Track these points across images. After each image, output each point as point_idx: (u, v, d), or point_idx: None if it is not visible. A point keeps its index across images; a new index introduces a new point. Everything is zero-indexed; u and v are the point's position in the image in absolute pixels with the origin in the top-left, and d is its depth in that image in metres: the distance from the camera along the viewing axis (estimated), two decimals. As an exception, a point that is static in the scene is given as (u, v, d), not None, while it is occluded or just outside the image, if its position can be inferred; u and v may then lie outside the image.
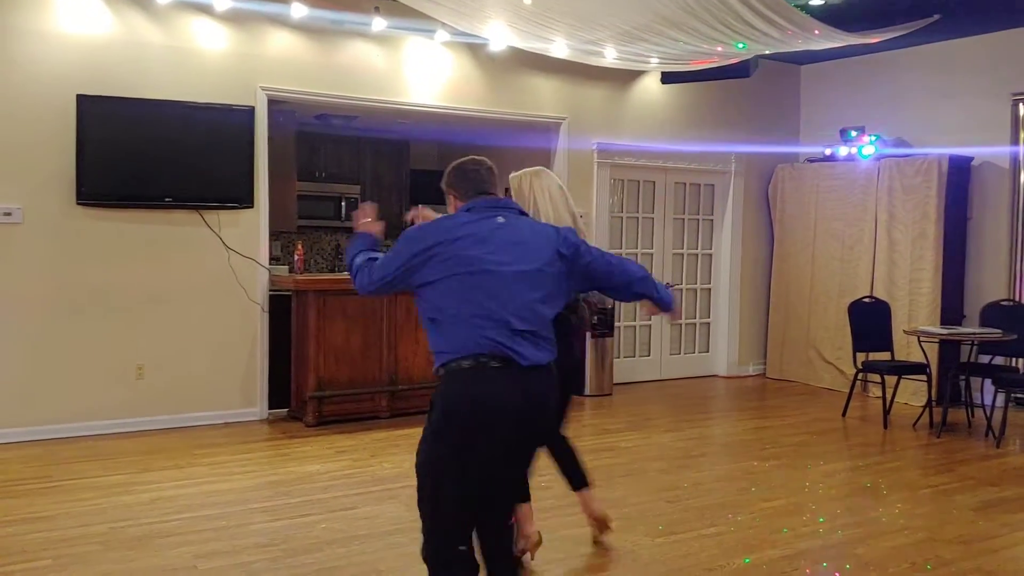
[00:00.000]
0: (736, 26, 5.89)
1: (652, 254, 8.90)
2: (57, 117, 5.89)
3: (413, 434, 6.12)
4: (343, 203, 8.71)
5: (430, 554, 2.75)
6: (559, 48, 7.07)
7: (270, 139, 6.74)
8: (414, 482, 5.02)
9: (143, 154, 6.10)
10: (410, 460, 5.45)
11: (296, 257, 7.20)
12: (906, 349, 7.46)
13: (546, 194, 3.79)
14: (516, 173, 3.93)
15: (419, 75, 7.30)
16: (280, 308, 6.77)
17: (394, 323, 6.82)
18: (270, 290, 6.71)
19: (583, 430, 7.13)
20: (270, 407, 6.76)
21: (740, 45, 6.35)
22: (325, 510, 4.57)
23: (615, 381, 8.16)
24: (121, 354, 6.19)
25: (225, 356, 6.55)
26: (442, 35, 7.17)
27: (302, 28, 6.70)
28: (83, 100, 5.92)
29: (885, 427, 6.91)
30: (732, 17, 5.67)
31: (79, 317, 6.06)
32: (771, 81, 9.06)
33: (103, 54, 6.06)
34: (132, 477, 5.12)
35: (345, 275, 7.08)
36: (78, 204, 5.98)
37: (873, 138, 8.30)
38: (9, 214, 5.82)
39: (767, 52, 7.12)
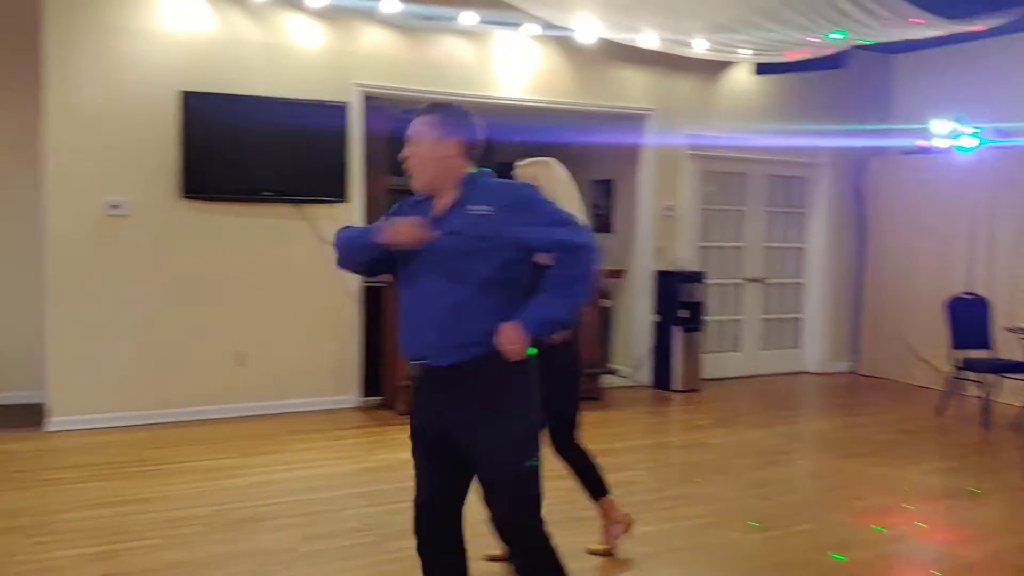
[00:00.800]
0: (833, 16, 5.77)
1: (742, 247, 8.78)
2: (163, 113, 6.13)
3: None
4: (431, 196, 8.82)
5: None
6: (648, 39, 7.04)
7: (364, 134, 6.87)
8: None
9: (243, 149, 6.31)
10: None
11: (388, 249, 7.33)
12: (1006, 347, 7.20)
13: (562, 184, 3.74)
14: (523, 162, 3.82)
15: (507, 69, 7.35)
16: (372, 298, 6.92)
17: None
18: (363, 282, 6.86)
19: (671, 425, 7.13)
20: (363, 395, 6.92)
21: (839, 33, 6.22)
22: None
23: (703, 376, 8.10)
24: (223, 342, 6.42)
25: (320, 345, 6.73)
26: (529, 28, 7.20)
27: (394, 24, 6.82)
28: (187, 97, 6.15)
29: (984, 427, 6.70)
30: (830, 7, 5.56)
31: (183, 306, 6.31)
32: (863, 72, 8.83)
33: (205, 52, 6.28)
34: (234, 461, 5.32)
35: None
36: (182, 197, 6.21)
37: (973, 129, 8.03)
38: (118, 207, 6.08)
39: (866, 42, 6.96)
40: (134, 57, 6.10)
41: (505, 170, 9.49)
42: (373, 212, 7.29)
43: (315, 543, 4.00)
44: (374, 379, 6.97)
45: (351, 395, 6.88)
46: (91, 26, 5.97)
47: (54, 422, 5.93)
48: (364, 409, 6.82)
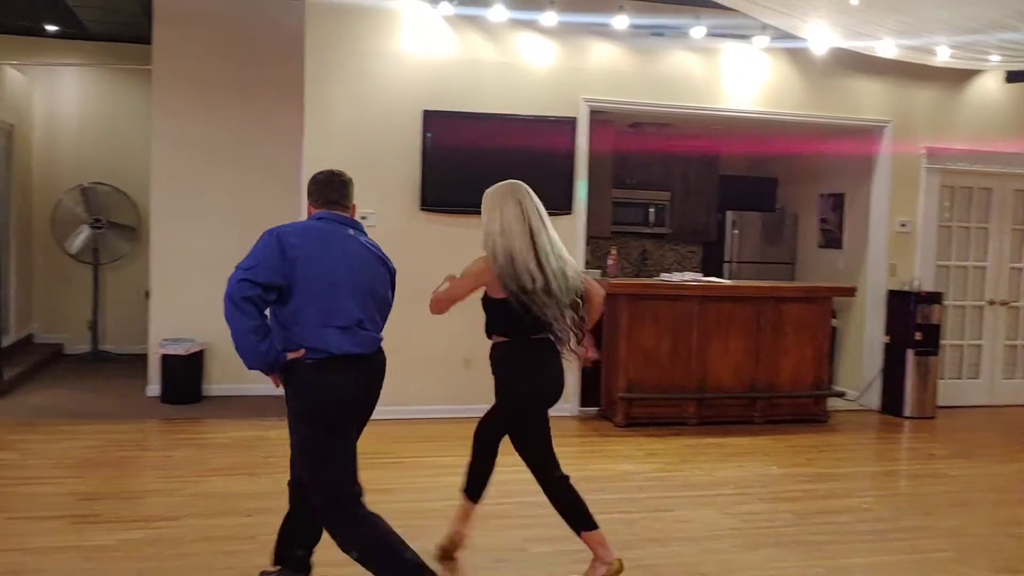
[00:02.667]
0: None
1: (985, 267, 8.18)
2: (406, 131, 6.53)
3: (723, 444, 6.20)
4: (651, 209, 8.85)
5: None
6: (886, 47, 6.73)
7: (589, 148, 7.00)
8: (728, 490, 5.03)
9: (476, 164, 6.59)
10: (722, 468, 5.50)
11: (610, 262, 7.42)
12: None
13: (490, 210, 3.82)
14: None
15: (735, 81, 7.26)
16: (593, 310, 7.01)
17: (704, 330, 6.84)
18: (585, 293, 6.97)
19: (903, 453, 6.76)
20: (581, 405, 7.03)
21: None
22: (642, 509, 4.71)
23: (938, 403, 7.61)
24: (453, 346, 6.74)
25: (541, 354, 6.90)
26: (761, 40, 7.07)
27: (624, 39, 6.91)
28: (428, 115, 6.52)
29: None
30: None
31: (418, 311, 6.62)
32: None
33: (445, 72, 6.63)
34: (461, 460, 5.52)
35: (657, 280, 7.20)
36: (421, 210, 6.59)
37: None
38: (365, 218, 6.52)
39: None
40: (381, 79, 6.54)
41: (728, 183, 9.36)
42: (593, 224, 7.43)
43: (542, 544, 4.12)
44: (592, 390, 7.06)
45: (569, 404, 7.01)
46: (344, 52, 6.46)
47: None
48: (582, 419, 6.93)
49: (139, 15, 7.70)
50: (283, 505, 4.50)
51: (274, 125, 7.21)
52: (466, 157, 6.58)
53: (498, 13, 6.54)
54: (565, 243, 6.69)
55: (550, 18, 6.60)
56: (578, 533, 3.75)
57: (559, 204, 6.79)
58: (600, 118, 7.24)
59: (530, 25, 6.72)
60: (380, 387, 3.39)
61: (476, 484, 4.04)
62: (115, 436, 5.87)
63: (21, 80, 8.49)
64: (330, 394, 3.16)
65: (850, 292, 7.55)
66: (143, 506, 4.49)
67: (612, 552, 3.71)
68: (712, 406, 6.88)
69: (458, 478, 5.10)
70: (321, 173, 3.46)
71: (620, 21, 6.66)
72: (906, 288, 7.63)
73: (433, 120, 6.52)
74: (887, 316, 7.72)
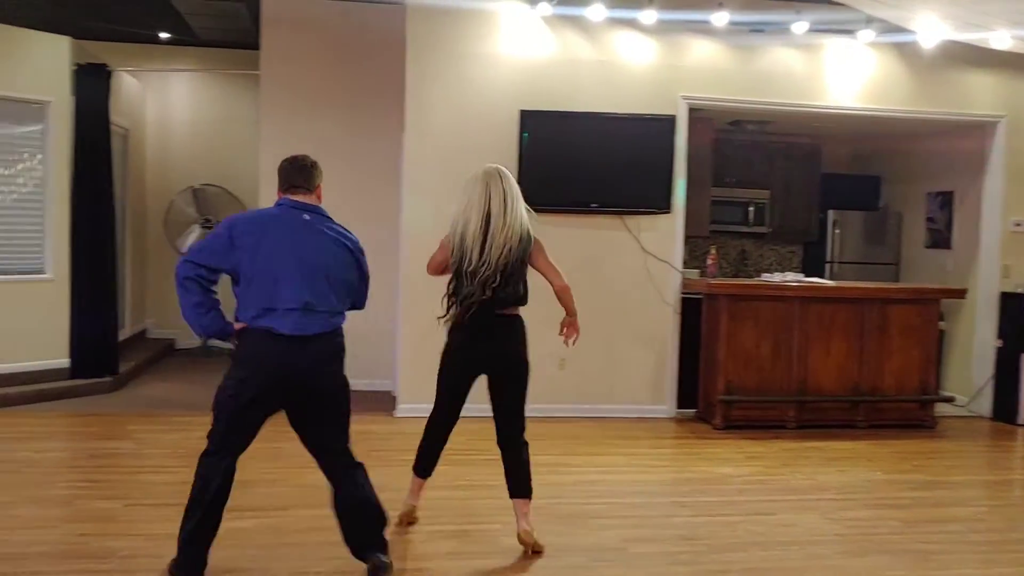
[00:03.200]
0: None
1: (1108, 269, 7.77)
2: (503, 131, 6.59)
3: (824, 448, 6.07)
4: (750, 208, 8.70)
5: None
6: (1001, 39, 6.46)
7: (687, 146, 6.93)
8: (831, 495, 4.93)
9: (573, 163, 6.62)
10: (824, 473, 5.39)
11: (709, 261, 7.34)
12: None
13: (464, 192, 4.02)
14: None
15: (839, 77, 7.08)
16: (690, 311, 6.95)
17: (805, 331, 6.70)
18: (682, 293, 6.92)
19: (1017, 462, 6.51)
20: (677, 406, 6.97)
21: None
22: (743, 512, 4.64)
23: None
24: (546, 344, 6.70)
25: (638, 354, 6.88)
26: (866, 34, 6.88)
27: (723, 36, 6.82)
28: (525, 115, 6.56)
29: None
30: None
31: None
32: None
33: (542, 72, 6.66)
34: (558, 459, 5.59)
35: (757, 281, 7.09)
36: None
37: None
38: (461, 217, 6.61)
39: None
40: (479, 80, 6.61)
41: (830, 181, 9.15)
42: (692, 223, 7.35)
43: (641, 546, 4.11)
44: (689, 391, 6.99)
45: (666, 405, 6.96)
46: (444, 54, 6.56)
47: (403, 408, 6.58)
48: (679, 421, 6.87)
49: (247, 22, 7.97)
50: (390, 499, 4.61)
51: (376, 126, 7.37)
52: (563, 156, 6.60)
53: (597, 12, 6.54)
54: (663, 242, 6.78)
55: (649, 16, 6.56)
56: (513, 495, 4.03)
57: (657, 203, 6.76)
58: (699, 116, 7.16)
59: (629, 23, 6.70)
60: (330, 369, 3.54)
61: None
62: (224, 428, 6.09)
63: (136, 86, 8.88)
64: (250, 366, 3.39)
65: (960, 294, 7.29)
66: (253, 496, 4.65)
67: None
68: (813, 409, 6.74)
69: (556, 476, 5.17)
70: (285, 159, 3.63)
71: (720, 18, 6.58)
72: (1020, 290, 7.32)
73: (530, 119, 6.56)
74: (999, 319, 7.42)
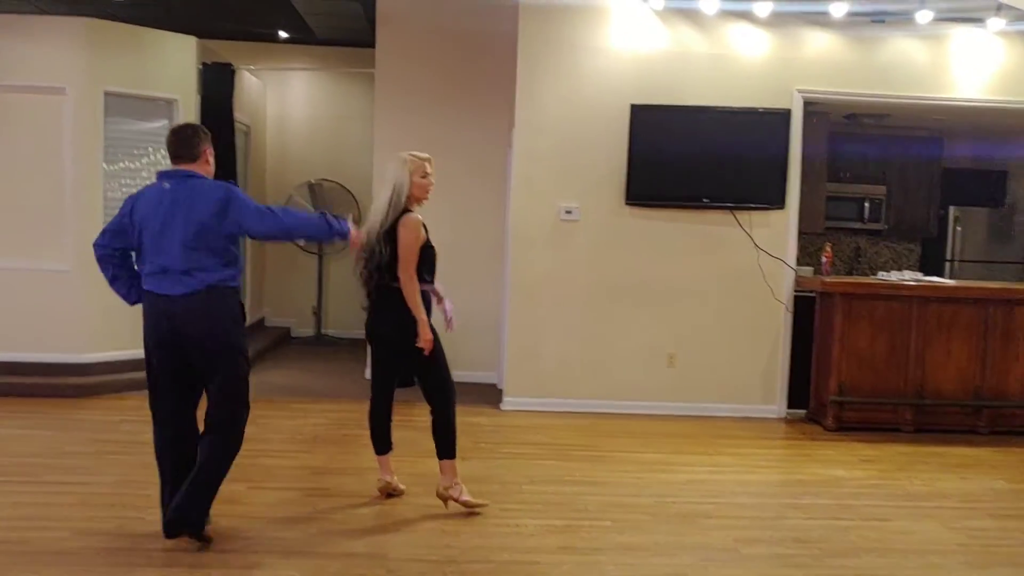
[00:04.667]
0: None
1: None
2: (613, 125, 6.58)
3: (943, 453, 5.88)
4: (866, 204, 8.46)
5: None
6: None
7: (802, 140, 6.78)
8: (951, 503, 4.77)
9: (684, 158, 6.55)
10: (943, 479, 5.21)
11: (824, 259, 7.17)
12: None
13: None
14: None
15: (964, 68, 6.79)
16: (802, 309, 6.80)
17: (923, 331, 6.47)
18: (795, 291, 6.78)
19: None
20: (788, 407, 6.84)
21: None
22: (857, 517, 4.53)
23: None
24: (655, 341, 6.73)
25: (748, 352, 6.78)
26: (996, 23, 6.58)
27: (840, 27, 6.64)
28: (636, 109, 6.53)
29: None
30: None
31: (620, 304, 6.72)
32: None
33: (654, 66, 6.62)
34: (667, 457, 5.57)
35: (873, 279, 6.89)
36: (626, 204, 6.62)
37: None
38: (570, 212, 6.64)
39: None
40: (590, 74, 6.62)
41: (951, 176, 8.79)
42: (806, 220, 7.19)
43: (755, 547, 4.06)
44: (799, 391, 6.85)
45: (776, 405, 6.84)
46: (555, 49, 6.59)
47: (508, 402, 6.66)
48: (789, 421, 6.74)
49: (363, 21, 8.18)
50: (496, 489, 4.71)
51: (487, 122, 7.46)
52: (673, 151, 6.55)
53: (710, 5, 6.45)
54: (776, 239, 6.67)
55: (764, 8, 6.44)
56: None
57: (770, 198, 6.64)
58: (814, 109, 6.99)
59: (743, 16, 6.58)
60: (206, 326, 3.71)
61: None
62: (339, 415, 6.30)
63: (257, 84, 9.21)
64: (145, 326, 3.78)
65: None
66: (367, 483, 4.79)
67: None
68: (931, 413, 6.51)
69: (666, 474, 5.15)
70: (170, 131, 3.90)
71: (838, 9, 6.40)
72: None
73: (640, 113, 6.53)
74: None
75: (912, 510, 4.71)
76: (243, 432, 3.91)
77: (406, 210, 4.29)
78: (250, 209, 3.78)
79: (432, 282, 4.46)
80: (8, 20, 6.98)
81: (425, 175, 4.33)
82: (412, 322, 4.24)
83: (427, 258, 4.36)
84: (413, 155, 4.33)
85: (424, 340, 4.23)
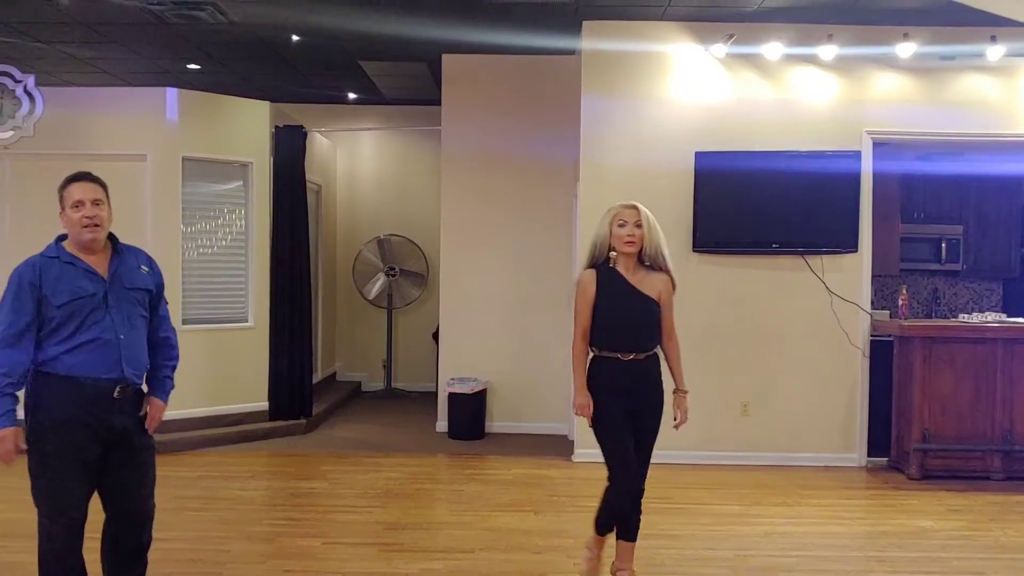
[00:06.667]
0: None
1: None
2: (677, 173, 6.56)
3: (1043, 502, 5.59)
4: (942, 244, 8.25)
5: None
6: None
7: (873, 182, 6.67)
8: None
9: (751, 203, 6.49)
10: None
11: (900, 302, 6.99)
12: None
13: None
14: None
15: (1040, 103, 6.64)
16: (879, 354, 6.63)
17: (1010, 376, 6.24)
18: (871, 335, 6.62)
19: None
20: (868, 455, 6.64)
21: None
22: (948, 571, 4.36)
23: None
24: (728, 389, 6.62)
25: (824, 400, 6.61)
26: (1073, 56, 6.43)
27: (909, 67, 6.55)
28: (700, 156, 6.52)
29: None
30: None
31: (691, 353, 6.53)
32: None
33: (718, 112, 6.61)
34: (745, 508, 5.43)
35: (954, 321, 6.69)
36: (694, 251, 6.58)
37: None
38: (637, 261, 6.61)
39: None
40: (654, 122, 6.63)
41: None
42: (879, 262, 7.05)
43: (838, 602, 3.92)
44: (880, 438, 6.64)
45: (855, 453, 6.64)
46: (618, 98, 6.62)
47: (579, 453, 6.60)
48: (869, 470, 6.53)
49: (429, 80, 8.36)
50: (570, 544, 4.64)
51: (551, 175, 7.52)
52: (740, 196, 6.49)
53: (773, 50, 6.44)
54: (849, 282, 6.59)
55: (828, 51, 6.40)
56: None
57: (843, 242, 6.53)
58: (884, 150, 6.89)
59: (808, 60, 6.54)
60: None
61: None
62: (411, 469, 6.31)
63: (327, 144, 9.46)
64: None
65: None
66: (440, 537, 4.79)
67: None
68: (1022, 460, 6.24)
69: (744, 527, 5.03)
70: None
71: (905, 49, 6.33)
72: None
73: (705, 160, 6.50)
74: None
75: (1007, 563, 4.51)
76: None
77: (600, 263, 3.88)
78: None
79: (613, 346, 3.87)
80: (95, 92, 7.35)
81: (623, 224, 3.83)
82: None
83: (599, 317, 3.85)
84: (619, 205, 3.91)
85: (576, 405, 3.88)
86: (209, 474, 6.09)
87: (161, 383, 3.41)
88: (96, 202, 3.24)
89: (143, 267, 3.38)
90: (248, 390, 7.40)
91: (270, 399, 7.49)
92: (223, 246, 7.41)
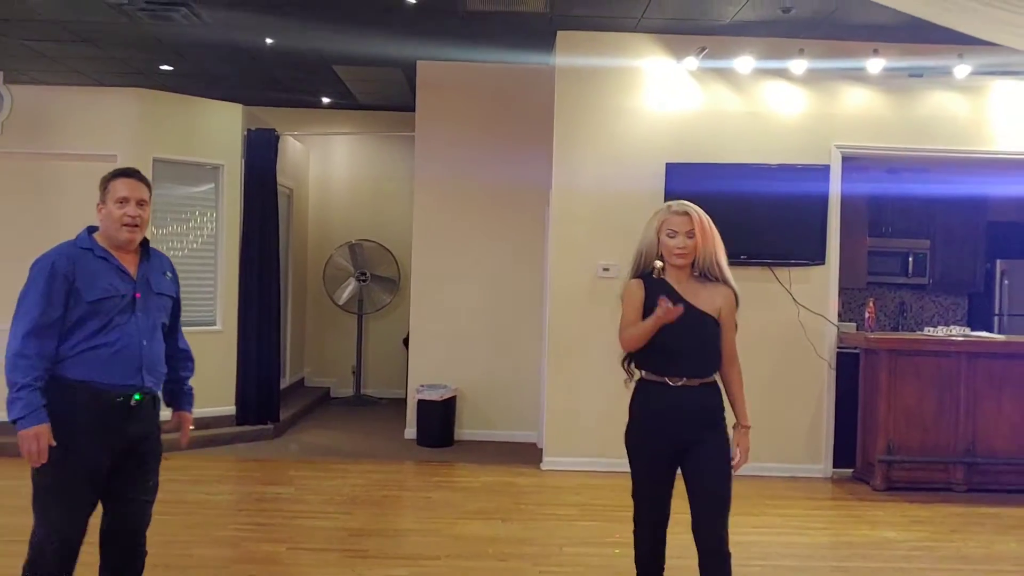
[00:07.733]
0: None
1: None
2: (648, 183, 6.57)
3: (999, 514, 5.70)
4: (910, 258, 8.36)
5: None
6: None
7: (841, 196, 6.74)
8: (1010, 567, 4.60)
9: (720, 215, 6.41)
10: (1000, 542, 5.05)
11: (867, 315, 7.07)
12: None
13: None
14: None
15: (1006, 121, 6.75)
16: (845, 366, 6.69)
17: (973, 388, 6.33)
18: (838, 347, 6.68)
19: None
20: (833, 466, 6.69)
21: None
22: (909, 581, 4.41)
23: None
24: (696, 400, 6.64)
25: (791, 411, 6.66)
26: (1036, 76, 6.55)
27: (878, 83, 6.64)
28: (671, 168, 6.56)
29: None
30: None
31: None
32: None
33: (689, 125, 6.66)
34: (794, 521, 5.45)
35: (920, 335, 6.77)
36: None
37: None
38: (608, 269, 6.65)
39: None
40: (626, 135, 6.68)
41: (997, 230, 8.62)
42: (847, 275, 7.13)
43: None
44: (845, 450, 6.70)
45: (821, 464, 6.69)
46: (591, 111, 6.67)
47: (548, 461, 6.60)
48: (835, 481, 6.59)
49: (404, 86, 8.36)
50: (535, 551, 4.64)
51: (524, 183, 7.52)
52: (709, 208, 6.46)
53: (745, 64, 6.51)
54: (817, 295, 6.61)
55: (799, 66, 6.47)
56: None
57: (811, 254, 6.59)
58: (853, 164, 6.97)
59: (778, 74, 6.62)
60: None
61: None
62: (379, 476, 6.28)
63: (300, 148, 9.42)
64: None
65: None
66: (406, 544, 4.77)
67: None
68: (984, 472, 6.33)
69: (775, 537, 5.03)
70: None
71: (875, 64, 6.42)
72: None
73: (676, 172, 6.54)
74: None
75: (969, 574, 4.57)
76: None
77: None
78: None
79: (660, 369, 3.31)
80: (64, 91, 7.26)
81: (673, 234, 3.26)
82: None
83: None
84: (667, 208, 3.36)
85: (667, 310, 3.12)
86: (175, 478, 5.99)
87: (188, 396, 3.40)
88: (141, 202, 3.11)
89: (167, 273, 3.26)
90: (215, 394, 7.32)
91: (237, 403, 7.43)
92: (193, 249, 7.35)
